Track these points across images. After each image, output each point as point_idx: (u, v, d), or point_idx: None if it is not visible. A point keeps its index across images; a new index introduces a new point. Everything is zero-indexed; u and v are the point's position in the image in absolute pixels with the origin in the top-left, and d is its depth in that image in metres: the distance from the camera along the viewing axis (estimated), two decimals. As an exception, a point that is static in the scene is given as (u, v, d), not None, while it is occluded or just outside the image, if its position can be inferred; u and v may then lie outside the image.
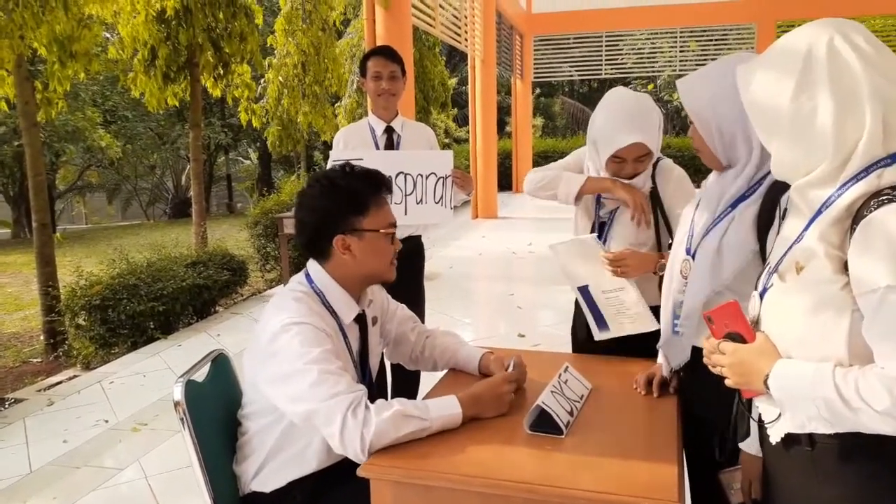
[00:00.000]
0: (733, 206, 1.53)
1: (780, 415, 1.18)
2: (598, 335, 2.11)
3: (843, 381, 1.03)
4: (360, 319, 1.78)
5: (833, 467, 1.11)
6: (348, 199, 1.67)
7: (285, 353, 1.54)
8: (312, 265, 1.74)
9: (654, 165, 2.06)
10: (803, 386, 1.07)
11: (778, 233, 1.26)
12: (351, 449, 1.45)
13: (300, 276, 1.76)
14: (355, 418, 1.45)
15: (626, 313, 2.02)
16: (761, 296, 1.23)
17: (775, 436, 1.20)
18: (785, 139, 1.11)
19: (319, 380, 1.49)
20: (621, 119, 1.97)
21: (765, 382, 1.14)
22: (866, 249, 1.01)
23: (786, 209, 1.26)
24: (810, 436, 1.13)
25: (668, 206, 2.04)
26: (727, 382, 1.23)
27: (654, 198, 2.04)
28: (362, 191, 1.68)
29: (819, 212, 1.10)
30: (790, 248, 1.16)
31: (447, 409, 1.54)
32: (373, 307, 1.86)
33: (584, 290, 2.09)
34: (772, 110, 1.12)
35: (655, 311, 1.87)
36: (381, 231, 1.69)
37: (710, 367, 1.25)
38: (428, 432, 1.50)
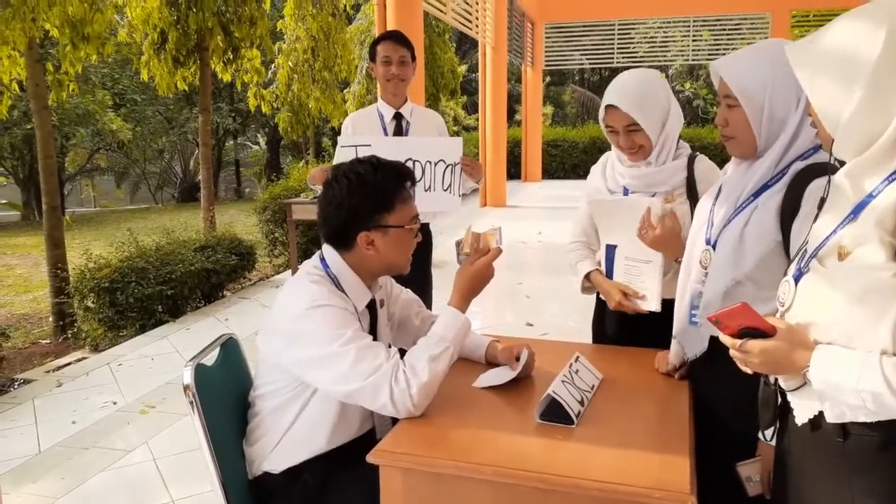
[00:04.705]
0: (756, 195, 1.50)
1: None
2: None
3: (893, 372, 1.00)
4: (371, 306, 1.78)
5: (867, 458, 1.08)
6: (376, 196, 1.67)
7: (317, 336, 1.56)
8: (329, 251, 1.74)
9: (692, 159, 2.02)
10: (848, 378, 1.04)
11: (816, 219, 1.21)
12: (405, 411, 1.55)
13: (315, 259, 1.75)
14: (398, 384, 1.53)
15: (636, 285, 2.00)
16: (796, 280, 1.19)
17: (802, 416, 1.17)
18: (870, 90, 1.03)
19: (358, 357, 1.54)
20: (613, 87, 1.96)
21: (804, 375, 1.11)
22: None
23: (822, 197, 1.21)
24: (843, 427, 1.09)
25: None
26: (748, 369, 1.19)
27: (691, 189, 2.00)
28: (390, 188, 1.68)
29: (871, 195, 1.06)
30: (833, 232, 1.12)
31: (455, 324, 1.66)
32: (379, 291, 1.87)
33: (609, 249, 2.09)
34: (859, 58, 1.04)
35: (671, 304, 1.85)
36: (406, 227, 1.70)
37: (738, 363, 1.20)
38: (457, 354, 1.68)
